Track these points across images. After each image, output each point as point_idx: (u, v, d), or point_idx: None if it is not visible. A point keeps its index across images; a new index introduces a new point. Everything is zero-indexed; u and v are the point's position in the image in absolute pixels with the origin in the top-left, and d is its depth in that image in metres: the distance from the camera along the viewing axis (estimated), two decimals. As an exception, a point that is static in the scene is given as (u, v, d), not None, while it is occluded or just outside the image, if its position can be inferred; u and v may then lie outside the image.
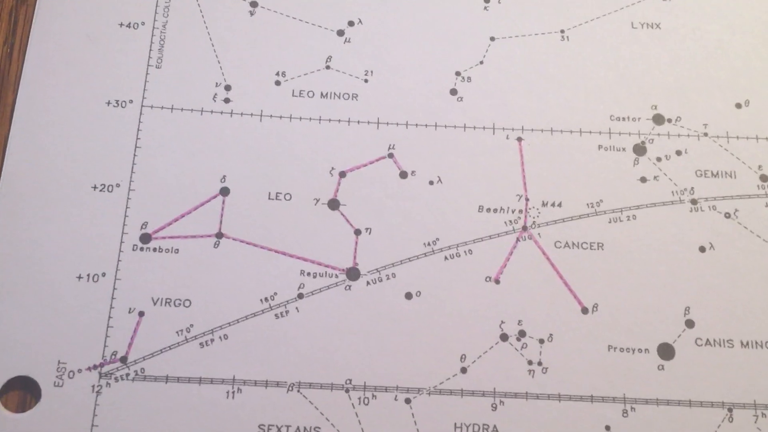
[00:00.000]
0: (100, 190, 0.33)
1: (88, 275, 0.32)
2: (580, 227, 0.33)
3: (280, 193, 0.33)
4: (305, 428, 0.30)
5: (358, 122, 0.34)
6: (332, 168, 0.34)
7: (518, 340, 0.31)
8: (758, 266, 0.32)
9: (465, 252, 0.33)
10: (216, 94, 0.35)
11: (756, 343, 0.32)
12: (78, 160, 0.33)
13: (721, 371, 0.31)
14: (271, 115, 0.34)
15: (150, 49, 0.35)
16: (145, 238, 0.32)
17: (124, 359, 0.31)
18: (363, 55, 0.36)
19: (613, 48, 0.36)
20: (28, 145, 0.33)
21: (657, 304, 0.32)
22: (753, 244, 0.33)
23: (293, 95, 0.35)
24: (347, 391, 0.31)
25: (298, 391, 0.31)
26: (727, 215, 0.33)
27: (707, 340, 0.32)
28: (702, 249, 0.33)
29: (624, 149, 0.34)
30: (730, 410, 0.31)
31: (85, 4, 0.35)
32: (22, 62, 0.35)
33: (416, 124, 0.34)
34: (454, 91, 0.35)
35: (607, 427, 0.30)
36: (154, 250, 0.32)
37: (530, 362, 0.31)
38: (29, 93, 0.34)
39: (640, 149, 0.34)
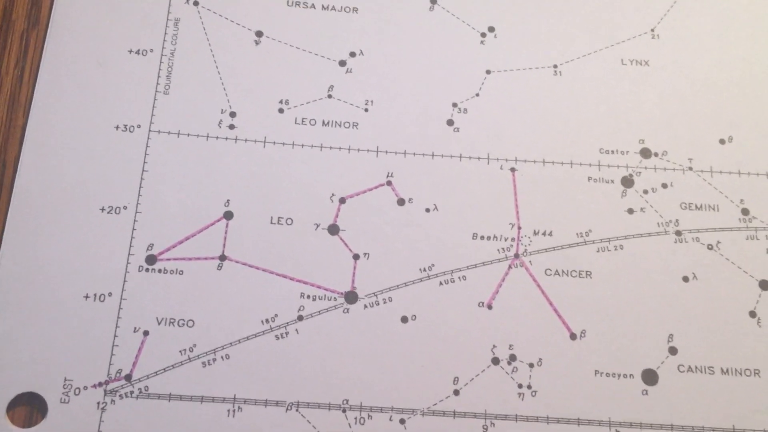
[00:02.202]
0: (108, 212, 0.34)
1: (95, 295, 0.33)
2: (569, 256, 0.34)
3: (282, 218, 0.34)
4: (303, 446, 0.31)
5: (358, 150, 0.36)
6: (332, 194, 0.35)
7: (509, 363, 0.33)
8: (739, 296, 0.34)
9: (459, 278, 0.34)
10: (221, 121, 0.36)
11: (736, 370, 0.33)
12: (86, 182, 0.34)
13: (702, 397, 0.33)
14: (274, 142, 0.36)
15: (158, 76, 0.36)
16: (151, 260, 0.33)
17: (128, 377, 0.32)
18: (364, 85, 0.37)
19: (604, 83, 0.37)
20: (39, 167, 0.34)
21: (642, 331, 0.33)
22: (734, 275, 0.34)
23: (296, 123, 0.36)
24: (344, 410, 0.32)
25: (297, 410, 0.32)
26: (710, 247, 0.35)
27: (689, 366, 0.33)
28: (685, 279, 0.34)
29: (612, 181, 0.36)
30: (710, 434, 0.32)
31: (95, 30, 0.37)
32: (33, 85, 0.36)
33: (414, 153, 0.36)
34: (450, 122, 0.36)
35: (593, 450, 0.32)
36: (160, 271, 0.33)
37: (520, 385, 0.32)
38: (40, 116, 0.35)
39: (627, 181, 0.36)
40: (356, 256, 0.34)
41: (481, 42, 0.38)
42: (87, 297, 0.32)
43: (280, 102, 0.36)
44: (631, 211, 0.35)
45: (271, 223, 0.34)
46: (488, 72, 0.37)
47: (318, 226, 0.34)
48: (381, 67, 0.37)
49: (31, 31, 0.37)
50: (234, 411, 0.31)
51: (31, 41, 0.37)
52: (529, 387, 0.32)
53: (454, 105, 0.37)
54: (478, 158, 0.36)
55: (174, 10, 0.37)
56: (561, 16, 0.38)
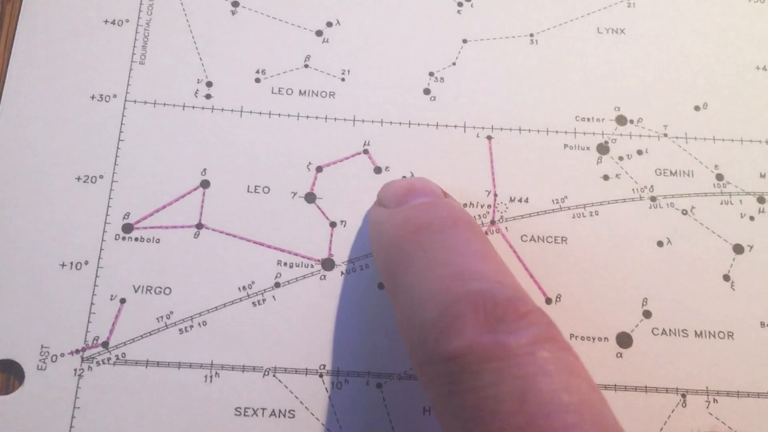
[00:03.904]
0: (84, 182, 0.34)
1: (72, 263, 0.33)
2: (545, 222, 0.35)
3: (259, 187, 0.34)
4: (280, 411, 0.31)
5: (335, 119, 0.36)
6: (309, 163, 0.35)
7: (485, 328, 0.33)
8: (712, 260, 0.34)
9: (435, 244, 0.34)
10: (198, 90, 0.36)
11: (709, 333, 0.33)
12: (62, 151, 0.34)
13: (676, 359, 0.33)
14: (251, 111, 0.36)
15: (134, 46, 0.36)
16: (128, 228, 0.33)
17: (105, 344, 0.32)
18: (340, 55, 0.37)
19: (580, 52, 0.37)
20: (14, 137, 0.34)
21: (616, 296, 0.34)
22: (708, 240, 0.35)
23: (272, 92, 0.36)
24: (321, 375, 0.32)
25: (274, 375, 0.32)
26: (684, 212, 0.35)
27: (663, 329, 0.33)
28: (660, 243, 0.34)
29: (588, 148, 0.36)
30: (683, 396, 0.32)
31: (70, 0, 0.36)
32: (8, 57, 0.36)
33: (391, 122, 0.36)
34: (427, 91, 0.36)
35: (568, 412, 0.32)
36: (136, 239, 0.33)
37: (496, 349, 0.33)
38: (15, 87, 0.35)
39: (603, 148, 0.36)
40: (333, 224, 0.34)
41: (458, 11, 0.38)
42: (63, 265, 0.33)
43: (257, 72, 0.36)
44: (606, 177, 0.35)
45: (248, 191, 0.34)
46: (465, 41, 0.37)
47: (295, 194, 0.34)
48: (358, 37, 0.37)
49: (6, 3, 0.37)
50: (211, 377, 0.32)
51: (6, 12, 0.37)
52: (504, 351, 0.33)
53: (431, 74, 0.37)
54: (455, 126, 0.36)
55: (149, -19, 0.37)
56: (537, -14, 0.39)
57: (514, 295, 0.25)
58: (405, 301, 0.26)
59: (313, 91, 0.36)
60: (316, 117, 0.36)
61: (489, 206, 0.35)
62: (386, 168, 0.35)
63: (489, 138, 0.36)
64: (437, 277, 0.26)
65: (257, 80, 0.36)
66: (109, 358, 0.32)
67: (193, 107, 0.35)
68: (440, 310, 0.24)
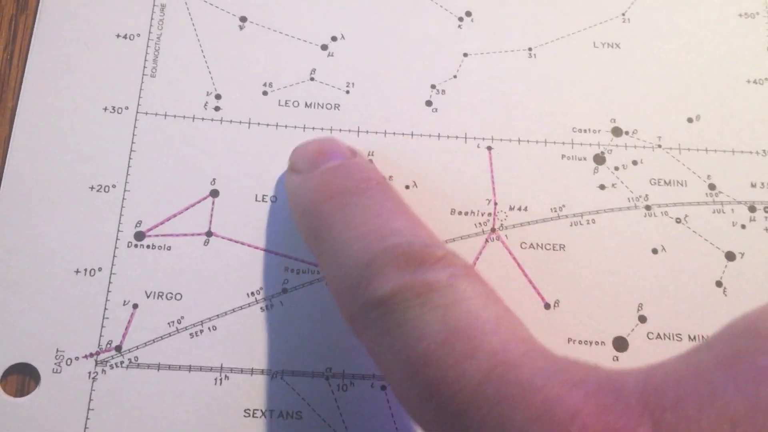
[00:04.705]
0: (97, 191, 0.35)
1: (86, 270, 0.34)
2: (543, 230, 0.36)
3: (267, 196, 0.36)
4: (288, 412, 0.32)
5: (340, 130, 0.37)
6: (315, 172, 0.36)
7: (486, 333, 0.34)
8: (705, 267, 0.35)
9: (438, 252, 0.35)
10: (207, 103, 0.37)
11: (702, 337, 0.34)
12: (76, 162, 0.35)
13: (671, 363, 0.34)
14: (258, 123, 0.37)
15: (145, 59, 0.37)
16: (140, 236, 0.34)
17: (118, 348, 0.33)
18: (345, 68, 0.38)
19: (576, 65, 0.39)
20: (29, 148, 0.35)
21: (613, 301, 0.35)
22: (701, 247, 0.36)
23: (279, 104, 0.37)
24: (327, 378, 0.33)
25: (282, 378, 0.33)
26: (678, 220, 0.36)
27: (658, 334, 0.34)
28: (654, 251, 0.36)
29: (585, 159, 0.37)
30: (678, 398, 0.33)
31: (84, 15, 0.38)
32: (23, 68, 0.37)
33: (394, 133, 0.37)
34: (429, 103, 0.38)
35: (566, 413, 0.33)
36: (148, 247, 0.34)
37: (496, 353, 0.34)
38: (30, 98, 0.36)
39: (599, 159, 0.37)
40: (338, 232, 0.35)
41: (459, 26, 0.39)
42: (78, 272, 0.34)
43: (264, 85, 0.37)
44: (602, 187, 0.37)
45: (256, 200, 0.35)
46: (465, 55, 0.39)
47: (301, 203, 0.35)
48: (362, 51, 0.38)
49: (20, 16, 0.38)
50: (221, 380, 0.33)
51: (20, 26, 0.38)
52: (505, 355, 0.34)
53: (433, 87, 0.38)
54: (456, 137, 0.37)
55: (160, -4, 0.38)
56: (536, 1, 0.40)
57: (429, 243, 0.27)
58: (330, 263, 0.29)
59: (318, 104, 0.37)
60: (322, 128, 0.37)
61: (489, 214, 0.36)
62: (389, 177, 0.36)
63: (489, 148, 0.37)
64: (357, 237, 0.28)
65: (264, 93, 0.37)
66: (122, 362, 0.32)
67: (203, 119, 0.36)
68: (364, 266, 0.26)
